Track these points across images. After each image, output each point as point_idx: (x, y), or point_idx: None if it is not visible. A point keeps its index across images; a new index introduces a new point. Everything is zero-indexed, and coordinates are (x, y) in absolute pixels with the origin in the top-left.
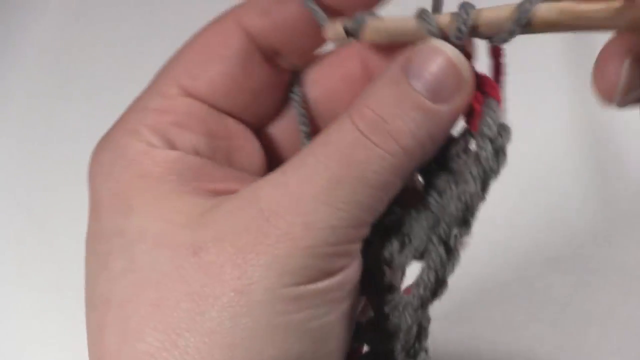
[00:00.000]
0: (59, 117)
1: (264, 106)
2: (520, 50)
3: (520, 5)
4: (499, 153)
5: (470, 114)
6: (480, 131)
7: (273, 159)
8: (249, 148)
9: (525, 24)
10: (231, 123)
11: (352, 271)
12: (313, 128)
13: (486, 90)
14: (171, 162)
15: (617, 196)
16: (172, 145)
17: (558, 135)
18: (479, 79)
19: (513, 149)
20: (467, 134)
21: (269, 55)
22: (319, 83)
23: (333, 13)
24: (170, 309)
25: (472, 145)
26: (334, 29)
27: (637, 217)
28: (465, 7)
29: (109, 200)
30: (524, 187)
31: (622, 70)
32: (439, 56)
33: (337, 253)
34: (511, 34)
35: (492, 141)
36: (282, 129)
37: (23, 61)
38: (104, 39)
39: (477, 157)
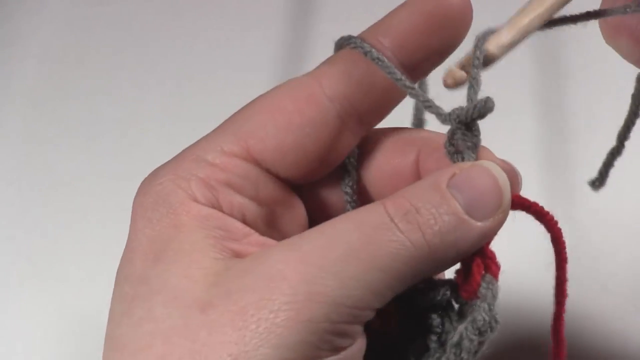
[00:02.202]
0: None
1: (323, 171)
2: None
3: (474, 50)
4: (482, 345)
5: (466, 275)
6: (473, 317)
7: (317, 222)
8: (294, 213)
9: (486, 62)
10: (281, 188)
11: (352, 353)
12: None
13: (491, 265)
14: (203, 218)
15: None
16: (215, 203)
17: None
18: (489, 251)
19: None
20: (454, 293)
21: (344, 120)
22: (371, 166)
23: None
24: None
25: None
26: (452, 75)
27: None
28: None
29: (145, 246)
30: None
31: None
32: (488, 177)
33: (337, 332)
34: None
35: (481, 333)
36: (330, 190)
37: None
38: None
39: (459, 341)
